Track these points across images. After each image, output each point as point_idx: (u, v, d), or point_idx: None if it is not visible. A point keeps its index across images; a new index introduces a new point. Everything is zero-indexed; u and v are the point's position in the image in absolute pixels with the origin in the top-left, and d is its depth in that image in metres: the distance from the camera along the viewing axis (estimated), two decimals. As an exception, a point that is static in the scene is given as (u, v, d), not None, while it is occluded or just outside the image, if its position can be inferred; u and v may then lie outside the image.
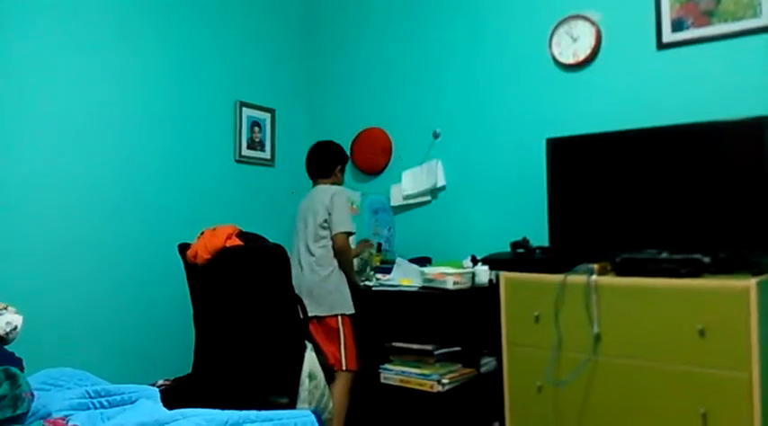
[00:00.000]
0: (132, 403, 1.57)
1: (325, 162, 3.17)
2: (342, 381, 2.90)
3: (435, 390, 2.74)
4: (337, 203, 2.98)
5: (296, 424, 1.46)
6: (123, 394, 1.59)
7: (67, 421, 1.50)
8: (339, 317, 2.93)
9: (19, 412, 1.50)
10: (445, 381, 2.75)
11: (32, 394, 1.54)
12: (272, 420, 1.46)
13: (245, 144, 3.66)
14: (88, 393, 1.57)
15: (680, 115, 2.54)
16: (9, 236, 2.61)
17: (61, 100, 2.81)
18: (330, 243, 2.97)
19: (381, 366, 2.97)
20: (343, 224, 2.97)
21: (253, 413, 1.45)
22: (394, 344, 3.02)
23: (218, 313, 2.66)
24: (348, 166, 3.83)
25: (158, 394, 1.63)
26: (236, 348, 2.59)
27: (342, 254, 2.99)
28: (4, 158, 2.60)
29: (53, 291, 2.72)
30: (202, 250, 2.62)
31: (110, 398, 1.57)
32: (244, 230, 2.74)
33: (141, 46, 3.15)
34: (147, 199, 3.13)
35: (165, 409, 1.52)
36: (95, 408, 1.56)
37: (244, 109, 3.65)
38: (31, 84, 2.71)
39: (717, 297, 2.05)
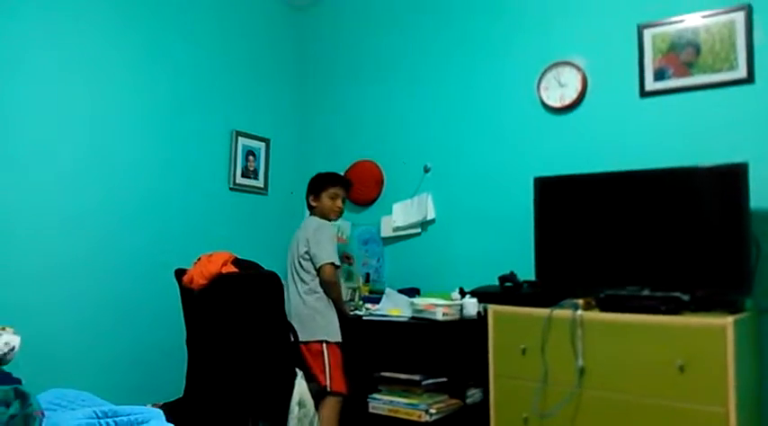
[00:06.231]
0: (140, 424, 1.61)
1: (306, 194, 3.33)
2: (329, 405, 2.92)
3: (423, 420, 2.78)
4: (318, 237, 3.07)
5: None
6: (130, 415, 1.63)
7: (77, 441, 1.53)
8: (324, 344, 2.97)
9: (29, 430, 1.53)
10: (433, 411, 2.80)
11: (43, 414, 1.57)
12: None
13: (239, 172, 3.74)
14: (96, 413, 1.61)
15: (661, 159, 2.66)
16: (6, 258, 2.64)
17: (58, 124, 2.87)
18: (314, 273, 3.05)
19: (370, 395, 3.01)
20: (323, 256, 3.04)
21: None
22: (382, 374, 3.07)
23: (211, 338, 2.69)
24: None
25: (163, 416, 1.67)
26: (228, 373, 2.62)
27: (328, 285, 3.05)
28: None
29: (49, 313, 2.75)
30: (198, 275, 2.68)
31: (117, 419, 1.61)
32: (239, 257, 2.80)
33: (143, 76, 3.24)
34: (144, 225, 3.19)
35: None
36: (104, 428, 1.60)
37: (239, 138, 3.74)
38: (29, 109, 2.77)
39: (695, 334, 2.15)
